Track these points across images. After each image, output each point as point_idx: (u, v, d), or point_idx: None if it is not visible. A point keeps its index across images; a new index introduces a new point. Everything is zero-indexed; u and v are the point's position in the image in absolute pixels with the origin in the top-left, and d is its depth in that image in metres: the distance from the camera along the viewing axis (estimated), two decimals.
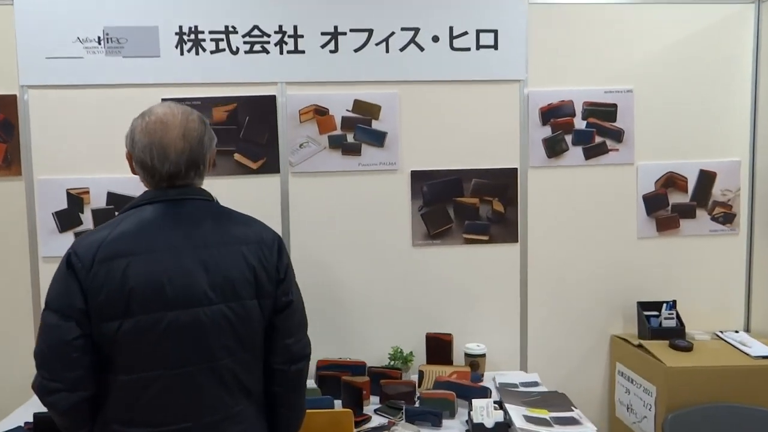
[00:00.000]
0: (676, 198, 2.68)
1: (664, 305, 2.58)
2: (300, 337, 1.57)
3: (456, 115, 2.59)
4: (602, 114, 2.63)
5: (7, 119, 2.43)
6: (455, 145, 2.59)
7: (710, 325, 2.66)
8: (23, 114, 2.44)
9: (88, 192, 2.48)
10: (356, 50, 2.53)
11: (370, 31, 2.53)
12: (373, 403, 2.24)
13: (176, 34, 2.46)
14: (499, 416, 2.00)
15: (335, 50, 2.52)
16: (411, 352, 2.49)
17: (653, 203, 2.67)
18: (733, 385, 2.26)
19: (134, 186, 2.39)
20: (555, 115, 2.62)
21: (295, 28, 2.49)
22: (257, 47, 2.49)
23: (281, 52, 2.50)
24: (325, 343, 2.56)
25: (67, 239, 2.46)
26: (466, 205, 2.61)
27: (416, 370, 2.44)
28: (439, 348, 2.50)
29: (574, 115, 2.63)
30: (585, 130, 2.63)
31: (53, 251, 2.47)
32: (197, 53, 2.47)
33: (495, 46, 2.58)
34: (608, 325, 2.70)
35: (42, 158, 2.46)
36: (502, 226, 2.63)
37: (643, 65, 2.62)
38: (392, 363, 2.46)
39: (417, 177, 2.58)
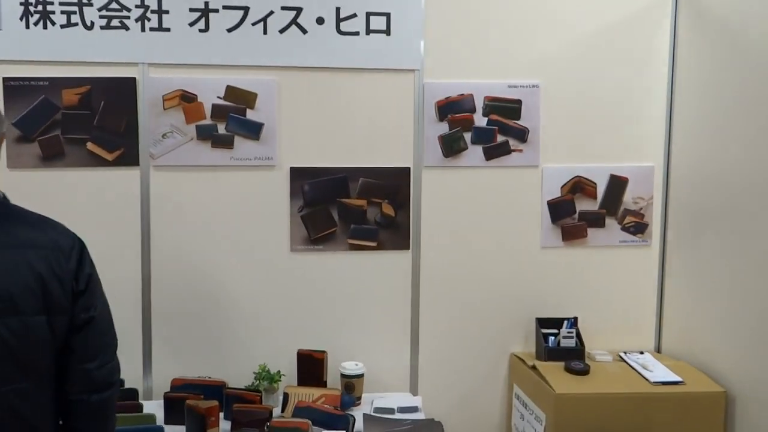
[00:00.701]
0: (583, 205, 2.45)
1: (565, 322, 2.36)
2: (106, 360, 1.32)
3: (343, 107, 2.33)
4: (505, 110, 2.39)
5: None
6: (342, 140, 2.33)
7: (617, 345, 2.44)
8: None
9: None
10: (230, 30, 2.25)
11: (246, 9, 2.25)
12: (223, 431, 1.97)
13: (21, 4, 2.15)
14: None
15: (205, 29, 2.24)
16: (279, 372, 2.22)
17: (559, 210, 2.44)
18: (628, 413, 2.04)
19: None
20: (453, 110, 2.37)
21: (159, 2, 2.21)
22: (115, 22, 2.19)
23: (143, 29, 2.21)
24: (185, 359, 2.28)
25: None
26: (352, 207, 2.35)
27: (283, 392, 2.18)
28: (311, 367, 2.23)
29: (474, 110, 2.38)
30: (486, 127, 2.39)
31: None
32: (45, 26, 2.16)
33: (387, 32, 2.32)
34: (508, 343, 2.47)
35: None
36: (393, 232, 2.38)
37: (551, 58, 2.39)
38: (256, 383, 2.19)
39: (297, 174, 2.32)
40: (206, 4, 2.23)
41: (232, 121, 2.28)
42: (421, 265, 2.40)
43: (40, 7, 2.16)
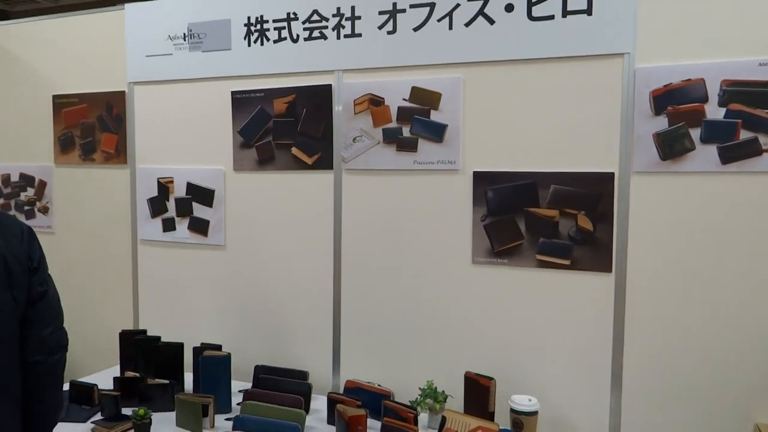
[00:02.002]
0: None
1: None
2: (57, 327, 1.56)
3: (534, 104, 2.03)
4: (754, 97, 1.78)
5: (118, 113, 2.70)
6: (531, 141, 2.04)
7: None
8: (129, 108, 2.68)
9: (172, 181, 2.62)
10: (416, 29, 2.16)
11: (432, 5, 2.12)
12: None
13: (245, 25, 2.42)
14: None
15: (393, 30, 2.19)
16: (443, 392, 2.04)
17: None
18: None
19: (210, 177, 2.48)
20: (675, 99, 1.86)
21: (353, 9, 2.24)
22: (316, 33, 2.31)
23: (338, 37, 2.27)
24: (360, 362, 2.28)
25: (157, 225, 2.65)
26: (542, 218, 2.04)
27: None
28: (477, 394, 2.00)
29: (705, 99, 1.83)
30: (723, 120, 1.81)
31: (146, 235, 2.68)
32: (262, 44, 2.40)
33: (589, 11, 1.94)
34: (752, 409, 1.84)
35: (141, 149, 2.68)
36: (590, 249, 1.98)
37: None
38: (420, 400, 2.05)
39: (481, 179, 2.10)
40: (394, 5, 2.18)
41: (416, 123, 2.18)
42: (627, 291, 1.95)
43: (258, 26, 2.40)
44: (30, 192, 2.96)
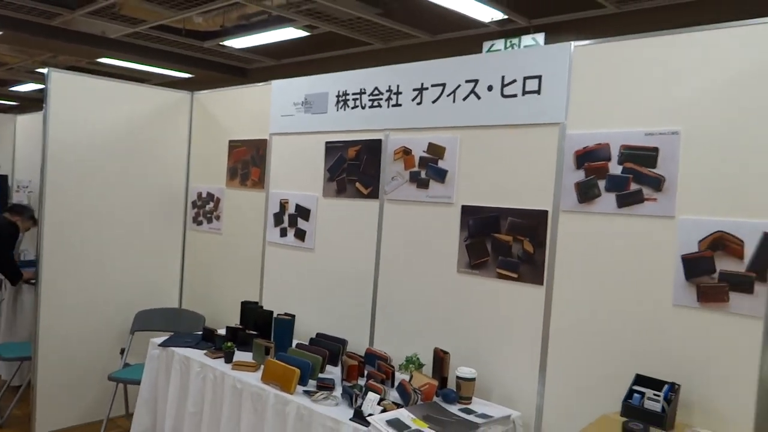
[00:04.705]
0: (726, 264, 2.13)
1: (665, 386, 2.13)
2: None
3: (501, 157, 2.78)
4: (641, 158, 2.35)
5: (262, 154, 3.96)
6: (497, 184, 2.78)
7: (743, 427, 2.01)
8: (269, 150, 3.92)
9: (288, 202, 3.77)
10: (433, 101, 3.04)
11: (444, 85, 2.99)
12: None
13: (336, 96, 3.51)
14: (377, 411, 2.32)
15: (420, 102, 3.09)
16: (419, 360, 2.83)
17: (695, 267, 2.20)
18: None
19: (308, 200, 3.58)
20: (590, 158, 2.49)
21: (398, 86, 3.19)
22: (374, 104, 3.30)
23: (388, 107, 3.24)
24: (385, 337, 3.15)
25: (276, 232, 3.82)
26: (501, 242, 2.75)
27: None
28: (439, 363, 2.75)
29: (609, 159, 2.43)
30: (620, 175, 2.40)
31: (270, 238, 3.87)
32: (345, 110, 3.46)
33: (539, 91, 2.65)
34: (622, 393, 2.34)
35: (273, 179, 3.90)
36: (531, 266, 2.65)
37: (695, 103, 2.22)
38: (404, 364, 2.86)
39: (466, 211, 2.89)
40: (422, 84, 3.09)
41: (430, 168, 3.04)
42: (553, 300, 2.58)
43: (343, 98, 3.47)
44: (211, 205, 4.36)
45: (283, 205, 3.81)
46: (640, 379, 2.24)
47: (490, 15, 6.11)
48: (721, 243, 2.16)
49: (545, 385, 2.60)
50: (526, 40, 5.85)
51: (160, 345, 3.37)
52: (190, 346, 3.33)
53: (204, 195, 4.42)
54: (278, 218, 3.84)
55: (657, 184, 2.31)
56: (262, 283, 3.93)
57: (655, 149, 2.32)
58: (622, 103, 2.42)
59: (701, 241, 2.21)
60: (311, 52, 8.42)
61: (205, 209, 4.41)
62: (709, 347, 2.18)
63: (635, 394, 2.19)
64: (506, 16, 6.10)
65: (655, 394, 2.14)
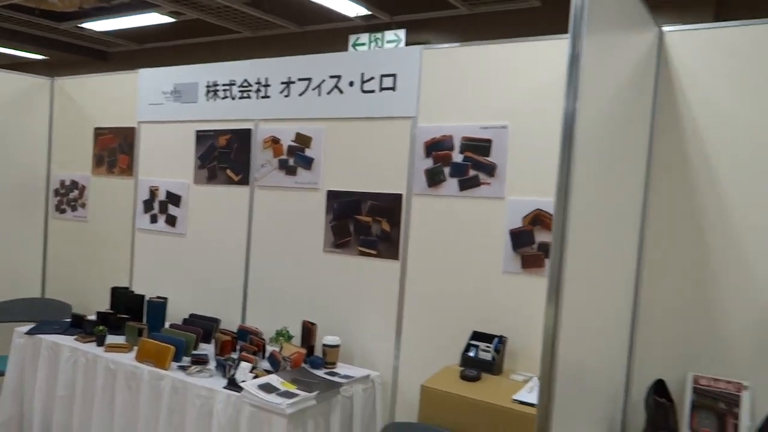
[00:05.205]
0: (542, 236, 2.59)
1: (495, 339, 2.55)
2: None
3: (361, 146, 3.08)
4: (477, 148, 2.75)
5: (130, 142, 3.99)
6: (359, 171, 3.08)
7: None
8: (137, 138, 3.96)
9: (158, 189, 3.85)
10: (300, 94, 3.28)
11: (310, 79, 3.24)
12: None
13: (206, 87, 3.64)
14: (250, 378, 2.55)
15: (288, 95, 3.32)
16: (288, 332, 3.09)
17: (520, 239, 2.64)
18: (481, 417, 2.23)
19: (179, 187, 3.66)
20: (437, 148, 2.86)
21: (266, 79, 3.39)
22: (244, 94, 3.48)
23: (257, 98, 3.43)
24: (257, 314, 3.37)
25: (146, 217, 3.88)
26: (362, 223, 3.07)
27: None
28: (308, 334, 3.03)
29: (452, 148, 2.82)
30: (461, 163, 2.79)
31: (140, 225, 3.92)
32: (214, 100, 3.60)
33: (394, 88, 2.98)
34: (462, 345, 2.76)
35: (142, 166, 3.94)
36: (388, 244, 2.99)
37: (519, 103, 2.65)
38: (275, 336, 3.10)
39: (331, 195, 3.17)
40: (289, 77, 3.32)
41: (297, 156, 3.29)
42: (407, 272, 2.93)
43: (212, 89, 3.60)
44: (76, 192, 4.30)
45: (153, 192, 3.87)
46: (476, 335, 2.65)
47: (355, 10, 6.43)
48: (539, 219, 2.61)
49: (401, 347, 2.95)
50: (389, 35, 6.24)
51: (26, 333, 3.33)
52: (59, 332, 3.34)
53: (68, 183, 4.34)
54: (148, 205, 3.89)
55: (490, 170, 2.73)
56: (133, 270, 3.97)
57: (489, 141, 2.73)
58: (463, 100, 2.80)
59: (524, 218, 2.65)
60: (177, 38, 8.29)
61: (68, 197, 4.34)
62: (529, 305, 2.62)
63: (471, 348, 2.60)
64: (370, 12, 6.44)
65: (486, 347, 2.55)
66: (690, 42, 2.31)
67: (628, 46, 1.97)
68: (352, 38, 6.48)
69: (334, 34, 7.14)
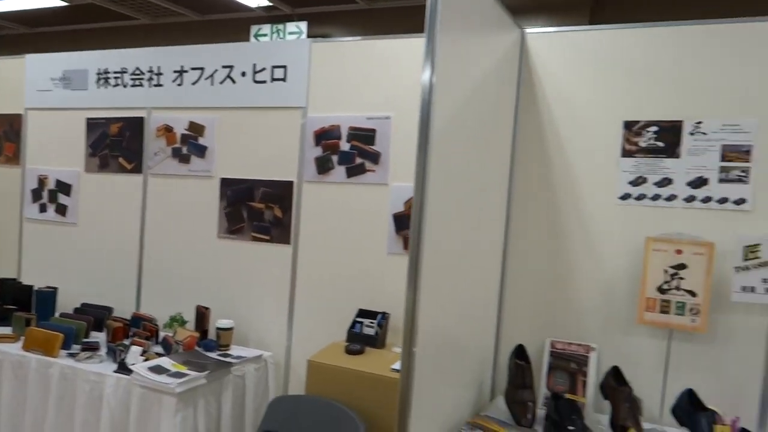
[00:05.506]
0: None
1: (378, 316, 2.74)
2: None
3: (254, 135, 3.17)
4: (363, 138, 2.92)
5: (17, 129, 3.87)
6: (252, 159, 3.18)
7: None
8: (24, 125, 3.85)
9: (47, 178, 3.77)
10: (193, 83, 3.32)
11: (202, 69, 3.30)
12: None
13: (96, 74, 3.60)
14: (140, 361, 2.61)
15: (180, 84, 3.36)
16: (183, 317, 3.15)
17: (401, 222, 2.84)
18: (364, 387, 2.41)
19: (70, 176, 3.59)
20: (326, 137, 3.00)
21: (159, 68, 3.41)
22: (137, 82, 3.48)
23: (150, 86, 3.44)
24: (152, 302, 3.40)
25: (35, 207, 3.79)
26: (255, 209, 3.17)
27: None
28: (202, 318, 3.10)
29: (340, 138, 2.97)
30: (348, 151, 2.95)
31: (29, 215, 3.83)
32: (105, 87, 3.57)
33: (285, 79, 3.10)
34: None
35: (30, 155, 3.84)
36: (280, 230, 3.10)
37: (401, 96, 2.84)
38: (168, 322, 3.16)
39: (225, 183, 3.24)
40: (182, 66, 3.35)
41: (190, 145, 3.33)
42: (298, 256, 3.06)
43: (103, 76, 3.57)
44: None
45: (42, 181, 3.79)
46: (362, 312, 2.82)
47: (256, 1, 6.45)
48: None
49: (293, 328, 3.08)
50: (291, 27, 6.31)
51: None
52: None
53: None
54: (37, 194, 3.80)
55: (375, 158, 2.90)
56: (21, 260, 3.87)
57: (373, 131, 2.90)
58: (350, 91, 2.96)
59: (405, 203, 2.84)
60: (72, 22, 7.97)
61: None
62: None
63: (357, 324, 2.77)
64: (272, 3, 6.48)
65: (371, 322, 2.73)
66: (548, 43, 2.57)
67: (488, 44, 2.19)
68: (253, 29, 6.49)
69: (236, 24, 7.12)
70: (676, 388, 2.32)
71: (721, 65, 2.30)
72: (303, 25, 6.28)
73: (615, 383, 2.23)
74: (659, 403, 2.36)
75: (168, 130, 3.40)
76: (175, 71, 3.38)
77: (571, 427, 1.96)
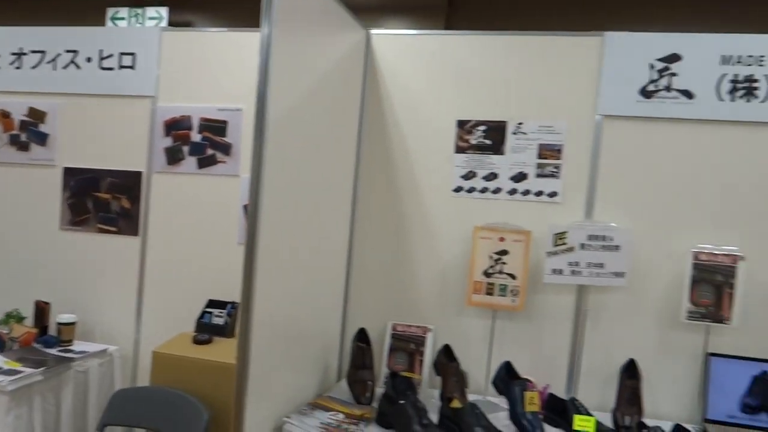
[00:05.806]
0: None
1: (228, 305, 2.79)
2: None
3: (101, 123, 3.08)
4: (214, 129, 2.93)
5: None
6: (98, 148, 3.08)
7: None
8: None
9: None
10: (33, 67, 3.16)
11: (44, 53, 3.14)
12: None
13: None
14: None
15: (19, 67, 3.18)
16: (19, 313, 3.01)
17: None
18: (206, 376, 2.45)
19: None
20: (176, 127, 2.98)
21: None
22: None
23: None
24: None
25: None
26: (101, 200, 3.07)
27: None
28: (41, 314, 2.98)
29: (191, 128, 2.97)
30: (199, 142, 2.95)
31: None
32: None
33: (133, 67, 3.03)
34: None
35: None
36: (128, 221, 3.04)
37: (251, 88, 2.88)
38: (4, 318, 2.99)
39: (68, 173, 3.12)
40: (20, 49, 3.17)
41: (30, 132, 3.17)
42: (147, 248, 3.02)
43: None
44: None
45: None
46: (211, 303, 2.84)
47: None
48: None
49: (141, 320, 3.03)
50: (151, 11, 6.10)
51: None
52: None
53: None
54: None
55: (226, 149, 2.92)
56: None
57: (225, 122, 2.93)
58: (202, 82, 2.96)
59: None
60: None
61: None
62: None
63: (206, 314, 2.79)
64: None
65: (220, 312, 2.76)
66: (391, 45, 2.73)
67: (328, 42, 2.30)
68: (110, 11, 6.20)
69: (91, 5, 6.75)
70: (500, 361, 2.57)
71: (539, 72, 2.57)
72: (164, 11, 6.09)
73: (446, 360, 2.43)
74: (485, 376, 2.60)
75: (5, 115, 3.20)
76: (12, 53, 3.18)
77: (401, 401, 2.13)
